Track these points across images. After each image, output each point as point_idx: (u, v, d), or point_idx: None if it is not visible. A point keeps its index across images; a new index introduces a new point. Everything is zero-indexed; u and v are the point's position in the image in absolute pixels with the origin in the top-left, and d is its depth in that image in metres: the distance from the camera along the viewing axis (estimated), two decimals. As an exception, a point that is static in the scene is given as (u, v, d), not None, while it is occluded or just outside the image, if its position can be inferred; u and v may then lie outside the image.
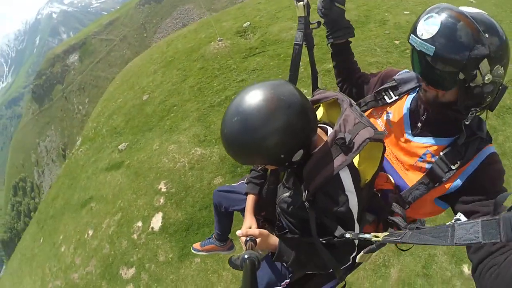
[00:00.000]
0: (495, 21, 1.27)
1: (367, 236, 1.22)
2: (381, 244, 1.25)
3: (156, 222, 5.73)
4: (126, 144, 8.66)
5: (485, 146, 1.40)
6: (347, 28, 1.83)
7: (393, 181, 1.58)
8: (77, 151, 12.08)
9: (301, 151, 1.27)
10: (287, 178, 1.58)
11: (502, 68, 1.27)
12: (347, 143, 1.24)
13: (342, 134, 1.27)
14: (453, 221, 0.91)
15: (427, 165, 1.47)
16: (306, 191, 1.31)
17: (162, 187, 6.15)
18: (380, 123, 1.70)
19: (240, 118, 1.17)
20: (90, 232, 6.88)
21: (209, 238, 2.74)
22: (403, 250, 1.84)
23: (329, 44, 1.91)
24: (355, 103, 1.44)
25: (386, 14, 10.70)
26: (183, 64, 11.60)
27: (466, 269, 4.21)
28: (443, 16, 1.24)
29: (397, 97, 1.66)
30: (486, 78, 1.25)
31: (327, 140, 1.30)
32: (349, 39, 1.88)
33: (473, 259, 1.23)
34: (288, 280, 1.80)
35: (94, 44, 71.91)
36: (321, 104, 1.63)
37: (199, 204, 5.70)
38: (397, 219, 1.52)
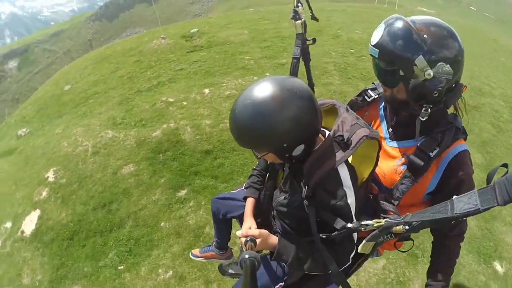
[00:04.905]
0: (446, 25, 1.34)
1: (369, 222, 1.22)
2: (384, 229, 1.16)
3: (30, 223, 4.06)
4: (28, 130, 6.98)
5: (461, 138, 1.47)
6: None
7: (374, 186, 1.65)
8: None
9: (302, 146, 1.31)
10: (284, 181, 1.61)
11: (448, 65, 1.31)
12: (345, 141, 1.31)
13: (341, 132, 1.34)
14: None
15: (402, 167, 1.54)
16: (306, 187, 1.33)
17: (50, 175, 4.55)
18: None
19: (253, 101, 1.21)
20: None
21: (209, 246, 2.69)
22: (403, 252, 1.60)
23: None
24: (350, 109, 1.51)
25: (339, 31, 10.50)
26: (117, 59, 10.20)
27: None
28: (388, 23, 1.36)
29: (376, 95, 1.74)
30: (427, 73, 1.31)
31: (326, 138, 1.38)
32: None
33: None
34: (283, 284, 1.76)
35: (36, 53, 67.43)
36: None
37: (95, 201, 4.09)
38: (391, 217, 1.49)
